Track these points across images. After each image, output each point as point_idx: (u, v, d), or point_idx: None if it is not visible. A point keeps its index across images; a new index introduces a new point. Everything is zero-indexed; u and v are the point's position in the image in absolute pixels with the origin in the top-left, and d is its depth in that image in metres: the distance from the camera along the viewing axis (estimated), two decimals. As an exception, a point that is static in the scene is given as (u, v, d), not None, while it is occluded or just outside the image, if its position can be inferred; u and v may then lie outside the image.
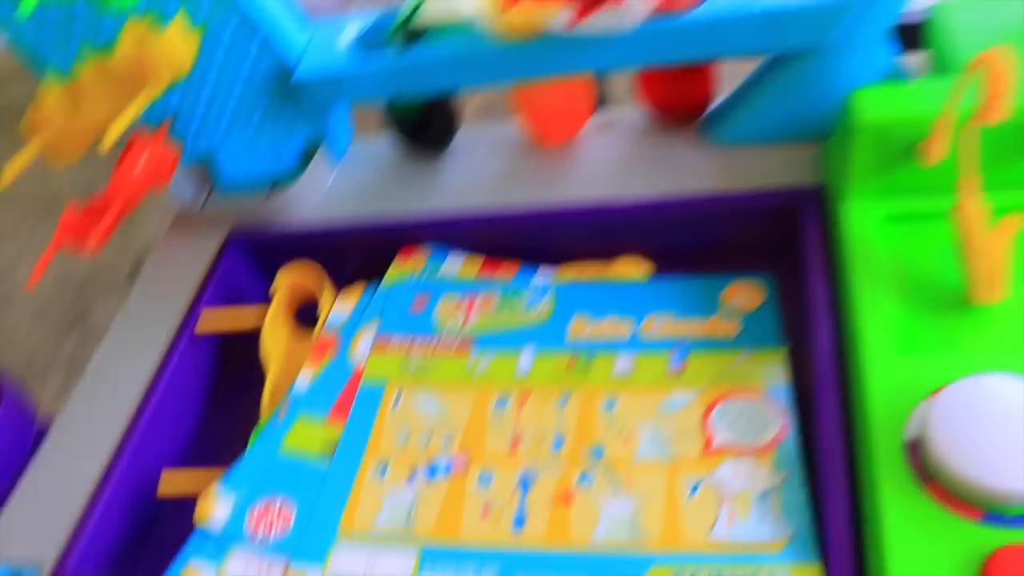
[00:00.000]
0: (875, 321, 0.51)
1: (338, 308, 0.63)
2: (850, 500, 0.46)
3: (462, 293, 0.63)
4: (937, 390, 0.46)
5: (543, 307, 0.61)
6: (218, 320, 0.66)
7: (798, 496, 0.49)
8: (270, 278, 0.66)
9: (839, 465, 0.47)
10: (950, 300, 0.51)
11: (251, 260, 0.71)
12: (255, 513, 0.53)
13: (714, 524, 0.49)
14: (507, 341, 0.60)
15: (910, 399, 0.47)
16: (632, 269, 0.63)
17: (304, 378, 0.59)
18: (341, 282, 0.66)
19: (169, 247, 0.75)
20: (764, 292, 0.60)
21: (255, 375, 0.62)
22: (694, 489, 0.50)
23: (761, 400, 0.54)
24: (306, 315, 0.66)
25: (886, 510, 0.44)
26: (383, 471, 0.54)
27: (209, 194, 0.75)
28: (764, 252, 0.63)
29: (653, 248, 0.64)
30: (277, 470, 0.54)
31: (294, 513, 0.53)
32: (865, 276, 0.53)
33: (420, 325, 0.62)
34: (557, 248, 0.65)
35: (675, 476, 0.51)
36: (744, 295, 0.60)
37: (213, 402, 0.67)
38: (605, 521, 0.50)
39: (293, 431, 0.56)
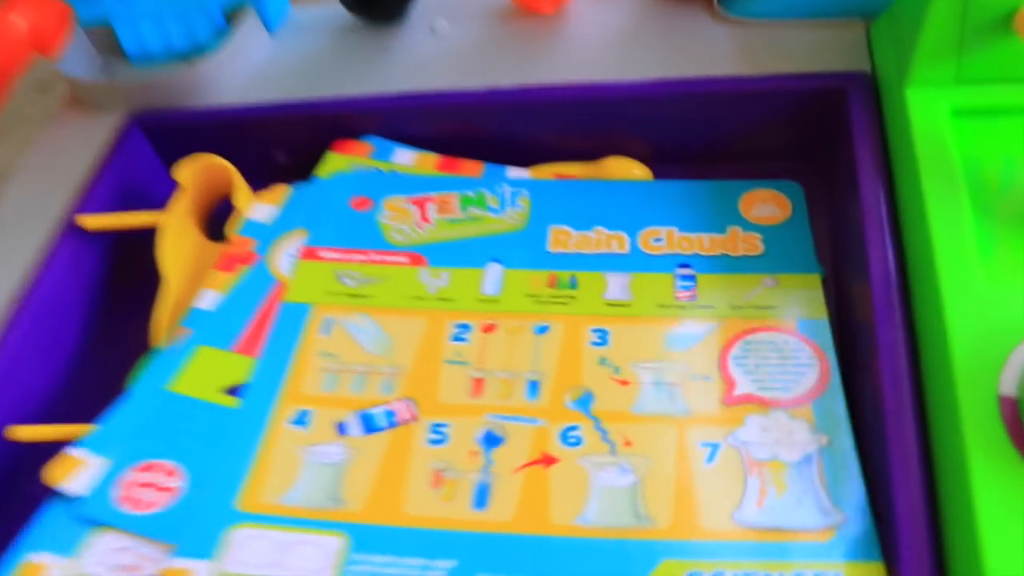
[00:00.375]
0: (953, 239, 0.38)
1: (257, 211, 0.50)
2: (923, 472, 0.35)
3: (413, 194, 0.50)
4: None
5: (516, 212, 0.48)
6: (109, 220, 0.52)
7: (849, 465, 0.37)
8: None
9: (908, 425, 0.35)
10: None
11: (156, 148, 0.57)
12: (128, 481, 0.40)
13: (740, 502, 0.37)
14: (470, 254, 0.47)
15: (1005, 341, 0.35)
16: (627, 170, 0.50)
17: (208, 297, 0.46)
18: (263, 180, 0.53)
19: (56, 132, 0.59)
20: (791, 203, 0.48)
21: (153, 291, 0.49)
22: (712, 453, 0.38)
23: (793, 337, 0.42)
24: (220, 219, 0.53)
25: (977, 484, 0.32)
26: (303, 422, 0.41)
27: (109, 67, 0.60)
28: (790, 155, 0.51)
29: (653, 145, 0.52)
30: (162, 421, 0.41)
31: (182, 482, 0.39)
32: (936, 182, 0.40)
33: (359, 233, 0.48)
34: (534, 142, 0.52)
35: (686, 434, 0.39)
36: (767, 206, 0.48)
37: (99, 324, 0.53)
38: (597, 496, 0.38)
39: (188, 367, 0.43)
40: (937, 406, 0.36)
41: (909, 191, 0.42)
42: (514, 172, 0.51)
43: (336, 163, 0.52)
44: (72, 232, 0.51)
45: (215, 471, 0.39)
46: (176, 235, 0.49)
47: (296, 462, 0.40)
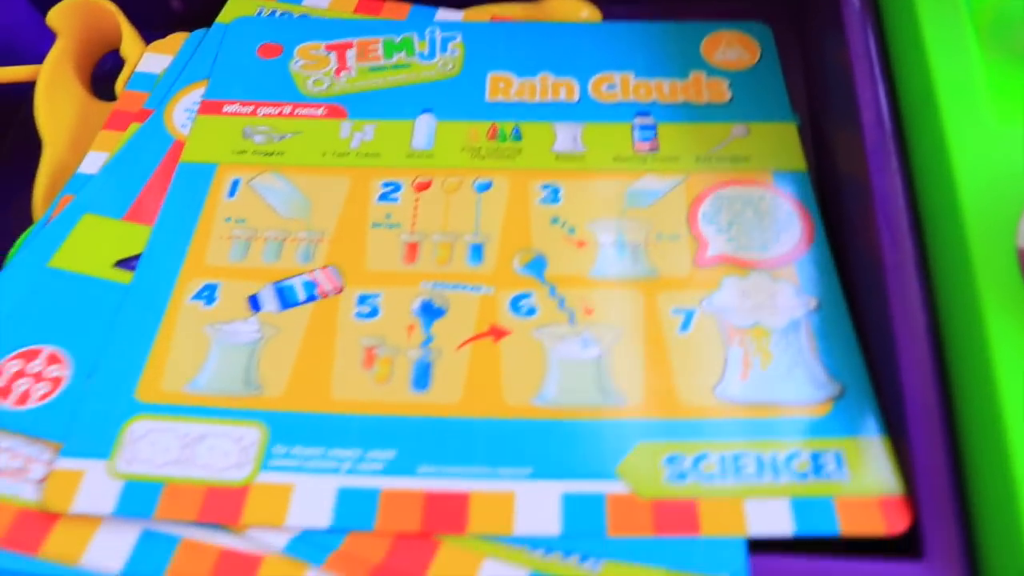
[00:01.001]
0: (957, 74, 0.33)
1: (149, 61, 0.43)
2: (930, 335, 0.30)
3: (330, 39, 0.43)
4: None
5: (449, 59, 0.42)
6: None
7: (842, 330, 0.33)
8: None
9: (912, 284, 0.31)
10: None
11: None
12: (3, 371, 0.34)
13: (722, 374, 0.32)
14: (397, 104, 0.41)
15: (1020, 188, 0.30)
16: (573, 11, 0.44)
17: (95, 160, 0.39)
18: (157, 29, 0.46)
19: None
20: (759, 46, 0.42)
21: (33, 159, 0.42)
22: (686, 321, 0.34)
23: (770, 191, 0.37)
24: (110, 77, 0.46)
25: (996, 347, 0.28)
26: (209, 298, 0.35)
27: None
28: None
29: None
30: (42, 302, 0.35)
31: (68, 370, 0.34)
32: (934, 8, 0.35)
33: (268, 84, 0.41)
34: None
35: (655, 300, 0.34)
36: (733, 49, 0.42)
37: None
38: (556, 371, 0.33)
39: (73, 239, 0.36)
40: (944, 264, 0.31)
41: (902, 21, 0.36)
42: (444, 14, 0.44)
43: (240, 7, 0.45)
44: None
45: (108, 357, 0.33)
46: (54, 92, 0.42)
47: (203, 343, 0.34)
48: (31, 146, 0.42)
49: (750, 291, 0.34)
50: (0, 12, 0.47)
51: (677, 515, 0.29)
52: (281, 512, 0.29)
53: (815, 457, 0.30)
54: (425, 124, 0.40)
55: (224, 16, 0.44)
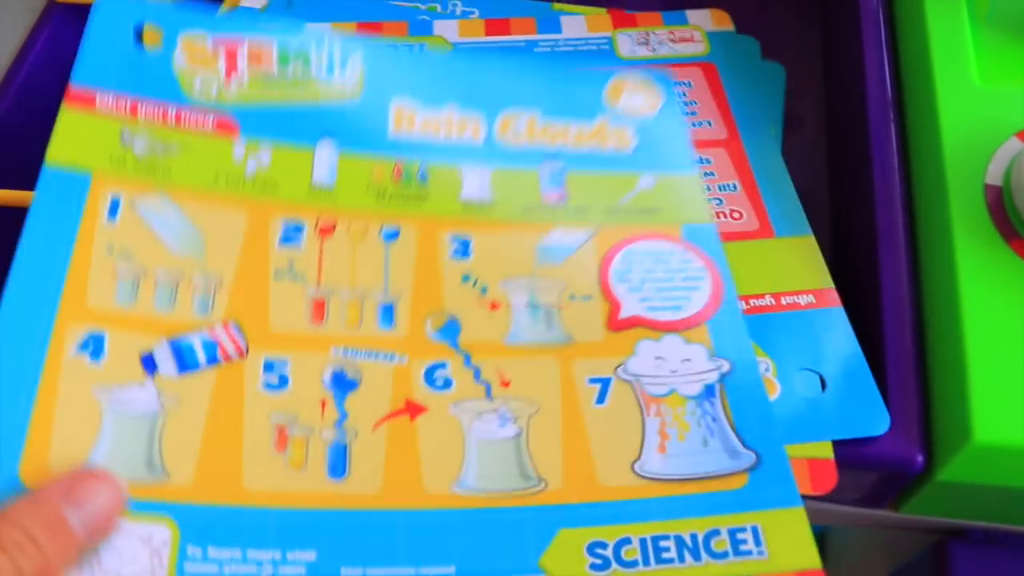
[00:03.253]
0: (948, 41, 0.41)
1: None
2: (910, 260, 0.37)
3: (219, 33, 0.38)
4: (1027, 128, 0.38)
5: (349, 79, 0.39)
6: None
7: (755, 393, 0.34)
8: None
9: (897, 216, 0.38)
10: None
11: None
12: None
13: (640, 450, 0.33)
14: (294, 126, 0.37)
15: (994, 136, 0.38)
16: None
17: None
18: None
19: None
20: (662, 93, 0.42)
21: None
22: (603, 392, 0.34)
23: (679, 247, 0.37)
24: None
25: (962, 267, 0.35)
26: (96, 351, 0.31)
27: None
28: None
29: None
30: None
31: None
32: None
33: (147, 78, 0.37)
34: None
35: (571, 368, 0.34)
36: (637, 95, 0.41)
37: None
38: (475, 454, 0.32)
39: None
40: (926, 196, 0.38)
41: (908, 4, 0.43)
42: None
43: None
44: None
45: None
46: None
47: (93, 410, 0.30)
48: None
49: (665, 355, 0.35)
50: None
51: (600, 611, 0.30)
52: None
53: (732, 534, 0.31)
54: (326, 155, 0.36)
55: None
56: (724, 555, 0.31)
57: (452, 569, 0.30)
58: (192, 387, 0.31)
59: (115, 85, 0.36)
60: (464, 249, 0.36)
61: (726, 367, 0.34)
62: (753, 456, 0.32)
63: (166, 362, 0.31)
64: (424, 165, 0.38)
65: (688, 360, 0.35)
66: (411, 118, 0.39)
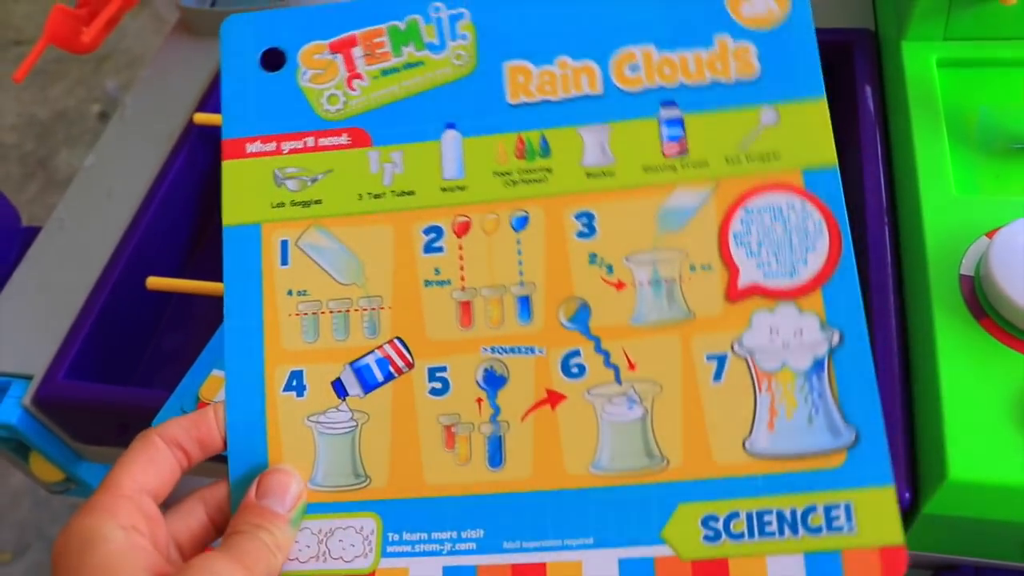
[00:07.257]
0: (932, 159, 0.50)
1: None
2: (899, 338, 0.47)
3: (331, 35, 0.39)
4: (994, 229, 0.46)
5: (461, 48, 0.39)
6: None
7: (862, 366, 0.36)
8: None
9: (888, 300, 0.48)
10: (1007, 146, 0.51)
11: None
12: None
13: (751, 428, 0.37)
14: (417, 119, 0.39)
15: (968, 236, 0.47)
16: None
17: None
18: None
19: (171, 51, 0.70)
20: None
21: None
22: (719, 369, 0.37)
23: (799, 198, 0.37)
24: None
25: (941, 340, 0.44)
26: (299, 388, 0.39)
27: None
28: None
29: None
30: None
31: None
32: (922, 116, 0.51)
33: (281, 106, 0.39)
34: None
35: (691, 345, 0.38)
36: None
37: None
38: (608, 436, 0.38)
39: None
40: (912, 283, 0.48)
41: (900, 125, 0.53)
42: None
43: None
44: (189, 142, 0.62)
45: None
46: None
47: (307, 437, 0.39)
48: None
49: (779, 327, 0.37)
50: None
51: (712, 574, 0.37)
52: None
53: (828, 511, 0.36)
54: (452, 146, 0.39)
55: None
56: (819, 530, 0.36)
57: (591, 540, 0.37)
58: (375, 402, 0.39)
59: (257, 125, 0.40)
60: (589, 225, 0.38)
61: (836, 339, 0.36)
62: (853, 434, 0.36)
63: (352, 385, 0.39)
64: (544, 133, 0.39)
65: (800, 332, 0.37)
66: (526, 82, 0.39)
